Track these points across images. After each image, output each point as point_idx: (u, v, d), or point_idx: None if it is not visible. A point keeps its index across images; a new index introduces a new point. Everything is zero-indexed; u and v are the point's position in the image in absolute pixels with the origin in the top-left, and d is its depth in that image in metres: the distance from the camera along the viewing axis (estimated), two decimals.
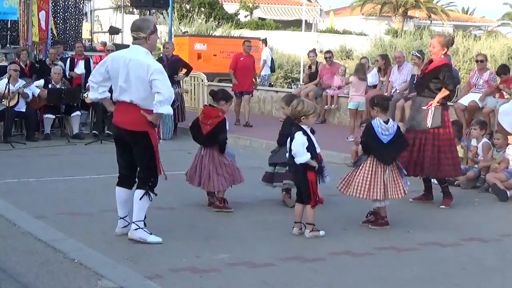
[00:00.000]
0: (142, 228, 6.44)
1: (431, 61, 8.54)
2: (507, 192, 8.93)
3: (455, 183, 9.66)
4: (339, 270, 5.88)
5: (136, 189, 6.52)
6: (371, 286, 5.53)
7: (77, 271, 5.58)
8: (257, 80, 17.68)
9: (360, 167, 7.26)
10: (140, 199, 6.43)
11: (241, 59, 16.02)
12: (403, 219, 7.67)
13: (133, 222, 6.48)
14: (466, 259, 6.32)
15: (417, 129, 8.39)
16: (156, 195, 6.55)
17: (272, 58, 23.01)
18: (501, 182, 9.06)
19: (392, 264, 6.11)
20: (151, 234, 6.47)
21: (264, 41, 23.61)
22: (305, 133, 6.84)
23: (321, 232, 6.86)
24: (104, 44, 22.28)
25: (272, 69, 22.93)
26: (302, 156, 6.76)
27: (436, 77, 8.36)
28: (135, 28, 6.42)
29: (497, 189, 8.97)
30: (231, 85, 15.95)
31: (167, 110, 6.29)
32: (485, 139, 10.13)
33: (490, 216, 8.18)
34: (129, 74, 6.32)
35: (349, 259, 6.20)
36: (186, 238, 6.67)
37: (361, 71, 14.16)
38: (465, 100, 12.65)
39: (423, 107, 8.34)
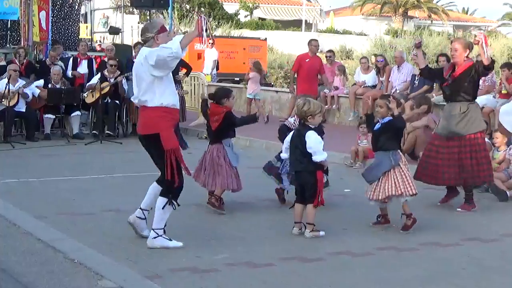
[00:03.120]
0: (161, 236, 6.29)
1: (453, 65, 8.38)
2: (507, 192, 8.92)
3: None
4: (339, 270, 5.88)
5: (159, 195, 6.32)
6: (371, 286, 5.53)
7: (77, 271, 5.58)
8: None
9: (396, 168, 7.12)
10: (163, 208, 6.25)
11: (306, 60, 14.78)
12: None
13: (152, 229, 6.31)
14: (466, 259, 6.32)
15: (460, 136, 8.25)
16: (179, 205, 6.37)
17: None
18: (502, 182, 9.06)
19: (392, 264, 6.10)
20: (170, 240, 6.33)
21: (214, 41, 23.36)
22: (316, 131, 6.87)
23: (321, 232, 6.86)
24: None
25: (217, 68, 22.71)
26: (322, 154, 6.79)
27: (468, 79, 8.24)
28: (142, 31, 6.41)
29: (497, 189, 8.96)
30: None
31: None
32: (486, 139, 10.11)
33: (490, 216, 8.17)
34: (137, 78, 6.33)
35: (349, 259, 6.19)
36: (186, 238, 6.65)
37: (257, 66, 16.59)
38: None
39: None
